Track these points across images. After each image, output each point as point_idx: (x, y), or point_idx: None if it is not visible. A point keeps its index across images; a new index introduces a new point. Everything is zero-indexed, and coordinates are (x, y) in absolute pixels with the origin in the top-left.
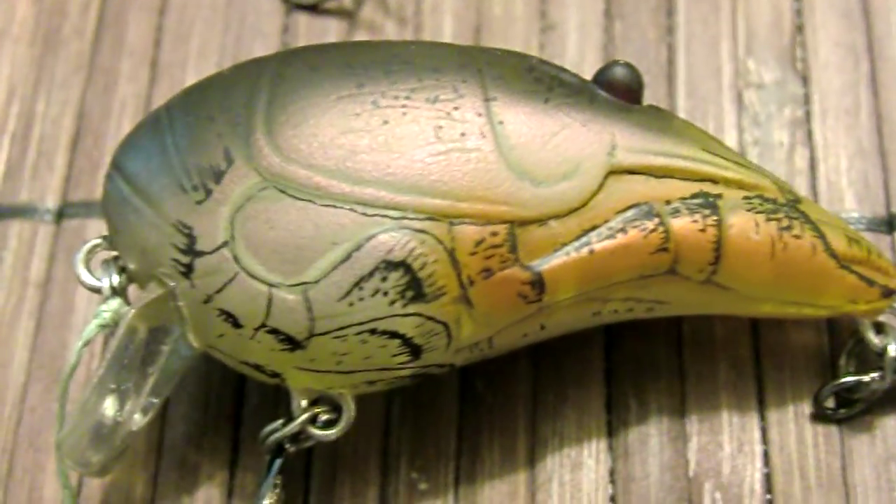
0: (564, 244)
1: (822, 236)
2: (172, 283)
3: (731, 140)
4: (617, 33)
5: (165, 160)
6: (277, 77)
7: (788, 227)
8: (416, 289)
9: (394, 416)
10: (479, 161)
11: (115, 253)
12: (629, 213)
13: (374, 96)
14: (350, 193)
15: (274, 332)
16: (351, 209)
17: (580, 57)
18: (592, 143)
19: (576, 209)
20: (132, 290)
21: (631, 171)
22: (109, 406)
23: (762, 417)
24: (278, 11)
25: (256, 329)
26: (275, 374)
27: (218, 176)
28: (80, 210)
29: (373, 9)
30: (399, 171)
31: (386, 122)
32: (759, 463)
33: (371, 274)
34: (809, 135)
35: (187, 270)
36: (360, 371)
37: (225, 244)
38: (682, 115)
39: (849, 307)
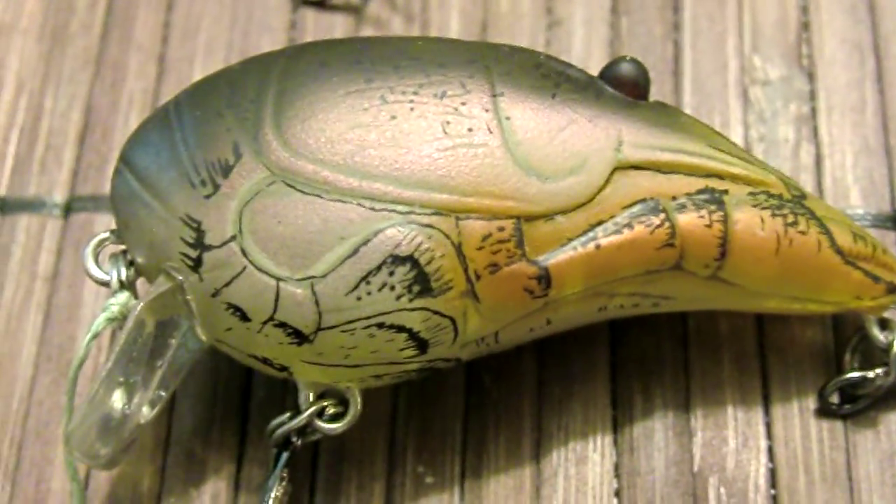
0: (571, 239)
1: (827, 232)
2: (180, 277)
3: (736, 136)
4: (623, 29)
5: (174, 154)
6: (286, 72)
7: (794, 223)
8: (423, 283)
9: (400, 410)
10: (486, 156)
11: (123, 247)
12: (635, 209)
13: (382, 91)
14: (358, 188)
15: (282, 325)
16: (358, 204)
17: (586, 53)
18: (599, 139)
19: (582, 204)
20: (140, 283)
21: (637, 167)
22: (117, 399)
23: (767, 413)
24: (285, 7)
25: (264, 323)
26: (282, 368)
27: (226, 170)
28: (87, 204)
29: (380, 5)
30: (406, 166)
31: (394, 118)
32: (763, 458)
33: (378, 268)
34: (815, 131)
35: (195, 264)
36: (367, 365)
37: (233, 238)
38: (687, 111)
39: (854, 303)
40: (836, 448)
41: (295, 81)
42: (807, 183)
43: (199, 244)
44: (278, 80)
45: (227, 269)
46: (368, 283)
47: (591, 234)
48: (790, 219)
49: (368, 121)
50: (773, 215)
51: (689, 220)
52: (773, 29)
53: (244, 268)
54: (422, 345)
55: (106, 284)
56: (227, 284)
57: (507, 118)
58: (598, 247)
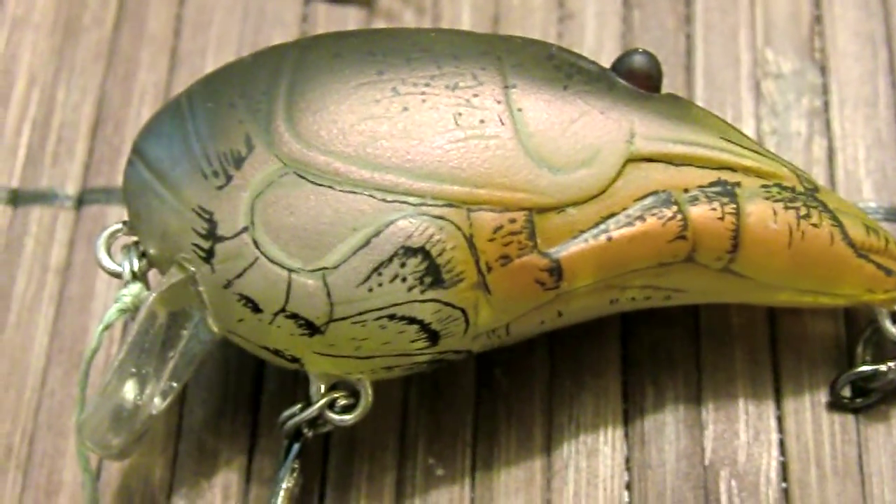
0: (582, 231)
1: (840, 225)
2: (193, 268)
3: (749, 129)
4: (635, 22)
5: (186, 146)
6: (298, 64)
7: (807, 216)
8: (434, 275)
9: (411, 402)
10: (497, 148)
11: (135, 238)
12: (647, 201)
13: (394, 83)
14: (370, 179)
15: (293, 316)
16: (370, 195)
17: (598, 46)
18: (611, 131)
19: (594, 196)
20: (152, 274)
21: (649, 159)
22: (129, 390)
23: (778, 406)
24: (297, 0)
25: (276, 314)
26: (294, 359)
27: (238, 162)
28: (99, 196)
29: None
30: (418, 157)
31: (405, 109)
32: (775, 451)
33: (390, 260)
34: (827, 124)
35: (208, 255)
36: (378, 356)
37: (245, 229)
38: (700, 104)
39: (866, 296)
40: (848, 442)
41: (307, 73)
42: (819, 176)
43: (212, 235)
44: (290, 71)
45: (239, 260)
46: (380, 274)
47: (602, 227)
48: (803, 211)
49: (380, 112)
50: (786, 208)
51: (701, 212)
52: (786, 22)
53: (256, 259)
54: (433, 336)
55: (118, 276)
56: (239, 275)
57: (520, 110)
58: (609, 239)
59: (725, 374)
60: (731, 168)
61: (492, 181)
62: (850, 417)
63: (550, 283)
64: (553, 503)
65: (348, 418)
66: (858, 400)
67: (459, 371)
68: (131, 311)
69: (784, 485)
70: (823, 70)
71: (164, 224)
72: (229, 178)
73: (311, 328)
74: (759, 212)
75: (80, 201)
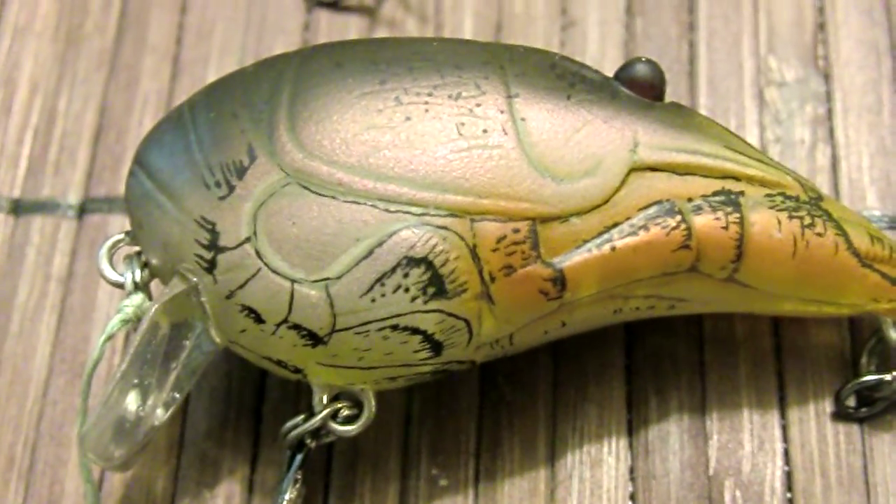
0: (586, 241)
1: (844, 234)
2: (195, 279)
3: (752, 138)
4: (638, 30)
5: (188, 156)
6: (300, 73)
7: (811, 225)
8: (437, 285)
9: (414, 412)
10: (500, 158)
11: (137, 248)
12: (651, 211)
13: (397, 93)
14: (372, 190)
15: (296, 327)
16: (373, 205)
17: (601, 54)
18: (614, 140)
19: (598, 206)
20: (155, 285)
21: (653, 168)
22: (132, 401)
23: (783, 416)
24: (299, 9)
25: (278, 325)
26: (296, 370)
27: (241, 172)
28: (101, 206)
29: (393, 6)
30: (421, 167)
31: (408, 119)
32: (779, 461)
33: (393, 270)
34: (831, 132)
35: (210, 266)
36: (381, 367)
37: (248, 240)
38: (703, 112)
39: (871, 306)
40: (853, 452)
41: (309, 82)
42: (823, 185)
43: (214, 246)
44: (293, 81)
45: (241, 270)
46: (383, 284)
47: (606, 236)
48: (807, 221)
49: (383, 122)
50: (790, 217)
51: (705, 221)
52: (789, 30)
53: (259, 269)
54: (436, 347)
55: (120, 286)
56: (241, 286)
57: (523, 119)
58: (613, 249)
59: (729, 383)
60: (735, 177)
61: (495, 191)
62: (855, 427)
63: (554, 293)
64: None
65: (351, 429)
66: (863, 409)
67: (463, 381)
68: (133, 321)
69: (789, 495)
70: (827, 78)
71: (167, 234)
72: (232, 189)
73: (314, 339)
74: (764, 221)
75: (82, 211)
